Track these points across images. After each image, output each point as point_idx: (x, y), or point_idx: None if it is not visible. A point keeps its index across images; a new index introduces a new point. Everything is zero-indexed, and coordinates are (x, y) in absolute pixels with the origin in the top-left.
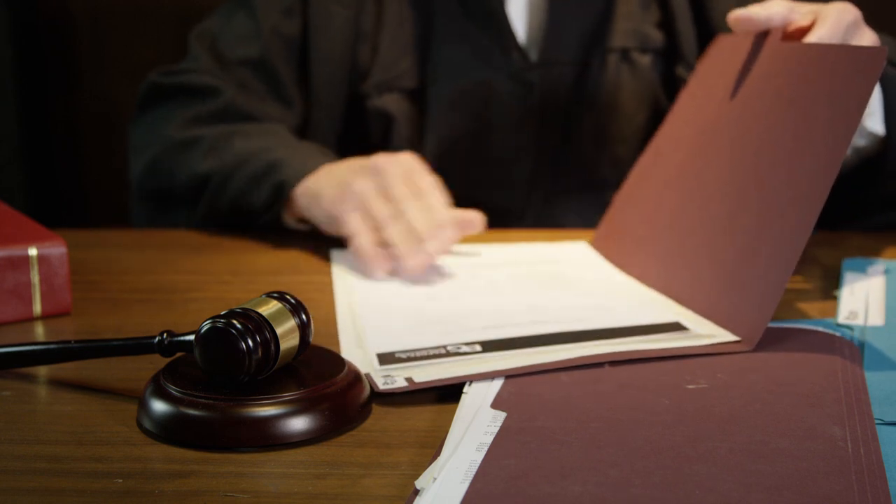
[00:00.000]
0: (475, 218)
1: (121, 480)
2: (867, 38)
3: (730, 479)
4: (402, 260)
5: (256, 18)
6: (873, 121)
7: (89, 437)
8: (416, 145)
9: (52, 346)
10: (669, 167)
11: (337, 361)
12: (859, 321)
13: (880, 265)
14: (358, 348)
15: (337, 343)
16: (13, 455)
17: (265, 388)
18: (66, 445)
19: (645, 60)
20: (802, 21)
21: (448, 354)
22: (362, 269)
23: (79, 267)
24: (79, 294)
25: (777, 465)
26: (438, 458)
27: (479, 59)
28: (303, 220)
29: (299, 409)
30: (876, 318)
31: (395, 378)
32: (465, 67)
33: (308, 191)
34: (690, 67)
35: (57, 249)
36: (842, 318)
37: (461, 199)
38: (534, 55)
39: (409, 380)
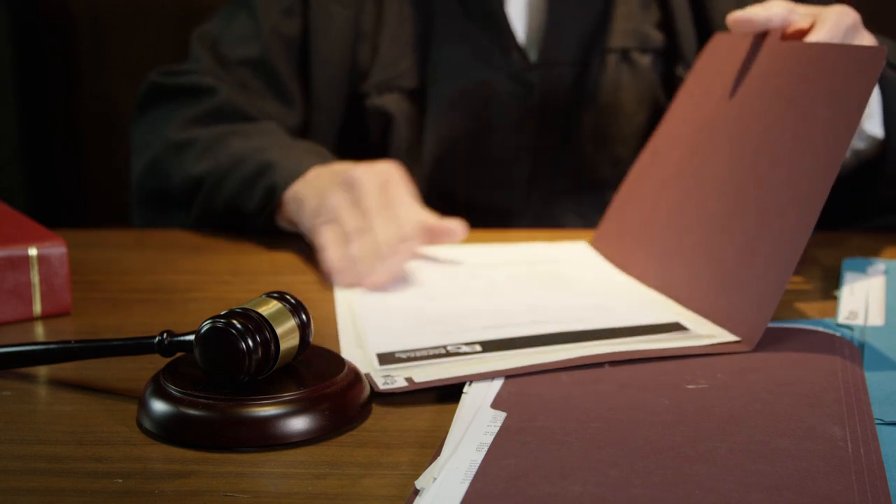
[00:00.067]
0: (456, 227)
1: (121, 480)
2: (866, 41)
3: (730, 479)
4: (363, 276)
5: (256, 19)
6: (872, 124)
7: (89, 437)
8: (415, 145)
9: (52, 346)
10: (667, 166)
11: (337, 361)
12: (859, 321)
13: (880, 265)
14: (358, 348)
15: (337, 343)
16: (13, 455)
17: (265, 388)
18: (66, 445)
19: (645, 61)
20: (802, 23)
21: (448, 354)
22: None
23: (79, 267)
24: (79, 294)
25: (777, 465)
26: (438, 458)
27: (479, 60)
28: (293, 223)
29: (299, 409)
30: (876, 318)
31: (395, 378)
32: (464, 67)
33: (295, 196)
34: (690, 68)
35: (57, 249)
36: (842, 318)
37: (461, 199)
38: (533, 55)
39: (409, 380)
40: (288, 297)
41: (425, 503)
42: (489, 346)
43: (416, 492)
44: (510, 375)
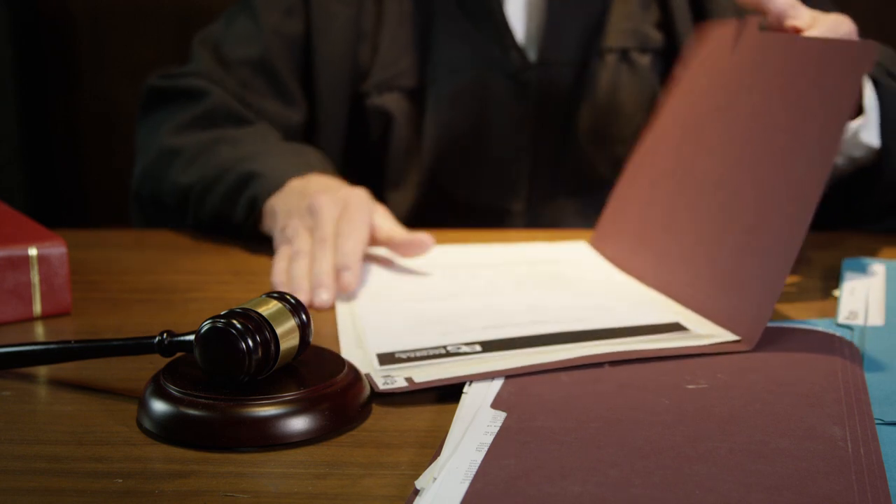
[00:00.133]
0: (424, 239)
1: (121, 480)
2: None
3: (730, 479)
4: (299, 294)
5: (257, 19)
6: (868, 133)
7: (89, 437)
8: (415, 144)
9: (52, 346)
10: (662, 163)
11: (337, 361)
12: (859, 321)
13: (880, 265)
14: (358, 348)
15: (337, 343)
16: (13, 455)
17: (265, 388)
18: (66, 445)
19: (644, 61)
20: (799, 21)
21: (448, 354)
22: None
23: (79, 267)
24: (79, 294)
25: (777, 465)
26: (438, 458)
27: (478, 59)
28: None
29: (299, 409)
30: (876, 318)
31: (395, 378)
32: (464, 67)
33: (272, 210)
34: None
35: (57, 249)
36: (842, 318)
37: (461, 198)
38: (533, 55)
39: (409, 380)
40: (288, 297)
41: (425, 503)
42: (489, 346)
43: (416, 492)
44: (510, 375)
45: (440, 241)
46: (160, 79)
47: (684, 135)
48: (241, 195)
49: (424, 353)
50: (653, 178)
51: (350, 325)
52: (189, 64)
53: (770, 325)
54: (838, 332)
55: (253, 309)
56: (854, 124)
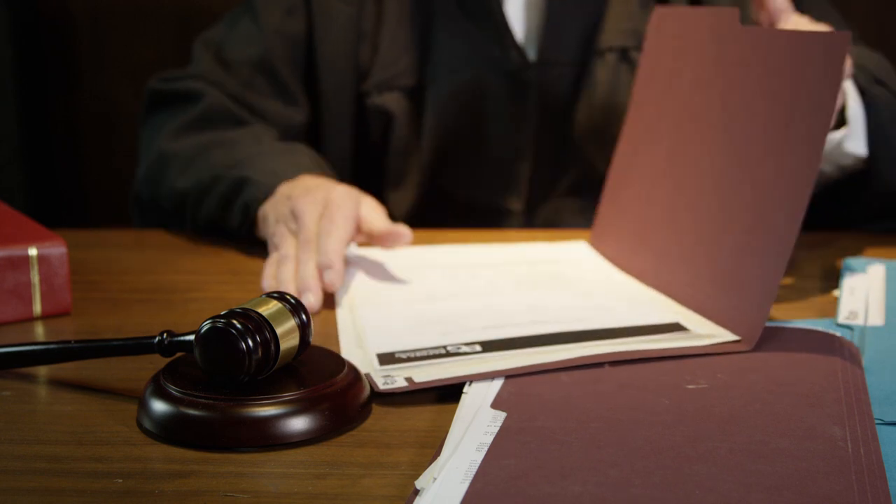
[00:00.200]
0: (402, 230)
1: (121, 480)
2: (848, 65)
3: (730, 479)
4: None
5: (258, 20)
6: (855, 143)
7: (89, 437)
8: (414, 144)
9: (52, 346)
10: (655, 160)
11: (337, 361)
12: (859, 321)
13: (880, 265)
14: (358, 348)
15: (337, 343)
16: (13, 455)
17: (265, 388)
18: (66, 445)
19: None
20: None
21: (448, 354)
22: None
23: (79, 267)
24: (79, 294)
25: (777, 465)
26: (438, 458)
27: (478, 59)
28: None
29: (299, 409)
30: (876, 318)
31: (395, 378)
32: (463, 67)
33: (264, 215)
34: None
35: (57, 249)
36: (842, 318)
37: (461, 198)
38: (532, 55)
39: (409, 380)
40: (288, 297)
41: (425, 503)
42: (489, 346)
43: (416, 492)
44: (510, 375)
45: (440, 241)
46: (160, 82)
47: (678, 131)
48: (235, 202)
49: (424, 353)
50: (647, 175)
51: (350, 325)
52: (190, 66)
53: (770, 325)
54: (838, 332)
55: (253, 309)
56: (837, 135)
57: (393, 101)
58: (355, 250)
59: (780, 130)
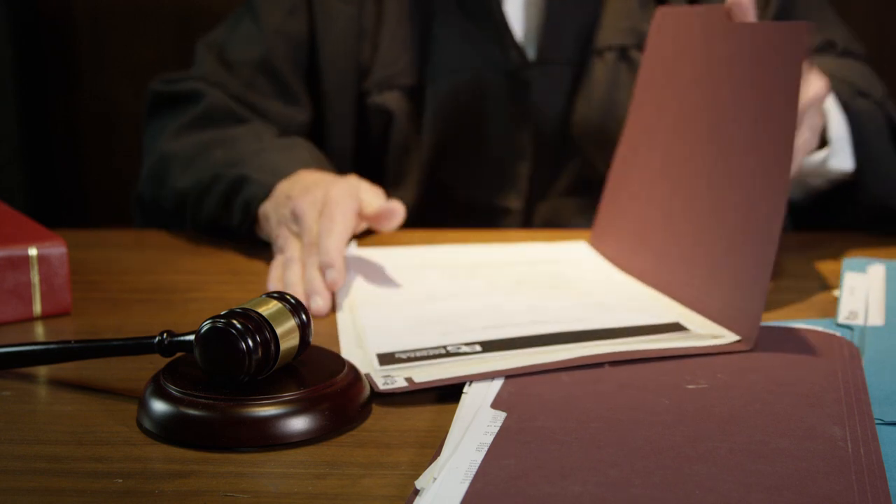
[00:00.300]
0: (395, 206)
1: (121, 480)
2: (822, 81)
3: (730, 479)
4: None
5: (259, 21)
6: (840, 159)
7: (89, 437)
8: (414, 143)
9: (52, 346)
10: (652, 159)
11: (337, 361)
12: (859, 321)
13: (880, 265)
14: (358, 348)
15: (337, 343)
16: (13, 455)
17: (265, 388)
18: (66, 445)
19: None
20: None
21: (448, 354)
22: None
23: (79, 267)
24: (79, 294)
25: (777, 465)
26: (438, 458)
27: (478, 58)
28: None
29: (299, 409)
30: (876, 318)
31: (395, 378)
32: (463, 66)
33: (265, 215)
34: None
35: (57, 249)
36: (842, 318)
37: (461, 198)
38: (531, 54)
39: (409, 380)
40: (288, 297)
41: (425, 503)
42: (489, 346)
43: (416, 492)
44: (510, 375)
45: (440, 241)
46: (161, 83)
47: (674, 131)
48: (235, 201)
49: (424, 353)
50: (646, 175)
51: (350, 325)
52: (192, 68)
53: (770, 325)
54: (838, 332)
55: (253, 309)
56: (820, 155)
57: (393, 100)
58: (355, 250)
59: (751, 125)
